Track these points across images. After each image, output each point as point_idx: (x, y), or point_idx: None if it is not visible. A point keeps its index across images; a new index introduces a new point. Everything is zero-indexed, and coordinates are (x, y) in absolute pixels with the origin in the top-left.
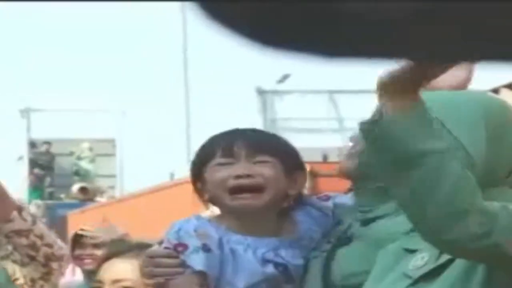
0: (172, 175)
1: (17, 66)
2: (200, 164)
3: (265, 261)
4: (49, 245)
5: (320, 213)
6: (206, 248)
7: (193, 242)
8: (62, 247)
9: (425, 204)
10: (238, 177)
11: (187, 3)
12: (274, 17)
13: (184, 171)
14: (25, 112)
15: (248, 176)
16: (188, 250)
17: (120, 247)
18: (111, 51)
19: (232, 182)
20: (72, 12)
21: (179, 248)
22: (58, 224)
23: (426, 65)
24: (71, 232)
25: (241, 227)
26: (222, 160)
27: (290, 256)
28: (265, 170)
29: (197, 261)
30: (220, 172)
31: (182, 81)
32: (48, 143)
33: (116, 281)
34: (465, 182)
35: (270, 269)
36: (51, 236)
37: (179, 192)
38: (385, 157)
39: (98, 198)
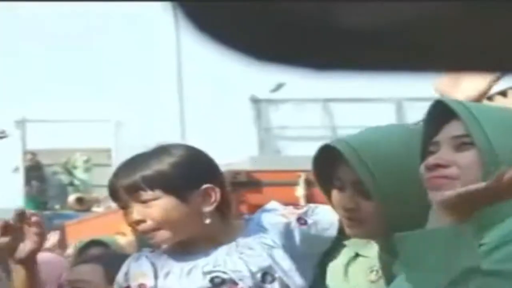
0: None
1: (12, 76)
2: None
3: (205, 274)
4: None
5: (276, 220)
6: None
7: (133, 285)
8: None
9: None
10: (134, 224)
11: (180, 16)
12: (265, 31)
13: None
14: (21, 123)
15: (140, 222)
16: None
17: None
18: (107, 61)
19: (136, 227)
20: (67, 21)
21: None
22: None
23: (497, 190)
24: (69, 242)
25: (178, 250)
26: (120, 204)
27: (230, 263)
28: (152, 211)
29: None
30: (126, 218)
31: (177, 91)
32: (33, 153)
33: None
34: None
35: (205, 283)
36: None
37: None
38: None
39: (95, 208)
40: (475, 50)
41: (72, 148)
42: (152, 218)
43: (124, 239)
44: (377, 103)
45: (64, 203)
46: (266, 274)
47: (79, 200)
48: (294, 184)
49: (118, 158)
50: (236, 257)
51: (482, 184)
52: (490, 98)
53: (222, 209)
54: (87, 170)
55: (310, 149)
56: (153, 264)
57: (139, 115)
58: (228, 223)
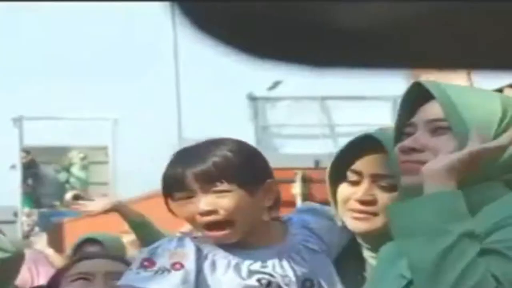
0: None
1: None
2: (164, 197)
3: (251, 273)
4: None
5: (321, 223)
6: (176, 268)
7: (162, 262)
8: None
9: (435, 275)
10: (202, 214)
11: (177, 14)
12: (263, 29)
13: None
14: (18, 121)
15: (211, 212)
16: (154, 268)
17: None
18: (105, 59)
19: (200, 220)
20: (63, 19)
21: (145, 263)
22: (52, 231)
23: (477, 157)
24: (67, 239)
25: (227, 244)
26: (180, 195)
27: (278, 267)
28: (225, 202)
29: (142, 280)
30: (185, 208)
31: (174, 88)
32: (30, 151)
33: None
34: (475, 270)
35: (253, 282)
36: None
37: None
38: (412, 229)
39: None
40: (470, 48)
41: (69, 146)
42: (225, 209)
43: (128, 237)
44: (374, 101)
45: (61, 201)
46: (307, 281)
47: (76, 198)
48: (291, 181)
49: (115, 156)
50: (284, 261)
51: (494, 142)
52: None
53: (272, 207)
54: (84, 167)
55: (307, 147)
56: (198, 249)
57: (136, 113)
58: (274, 222)
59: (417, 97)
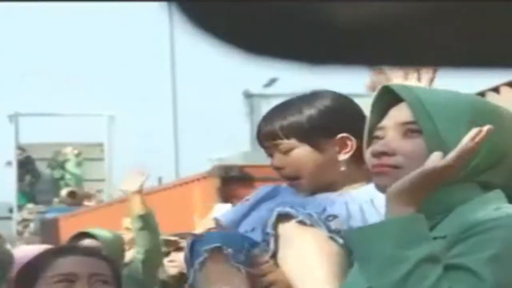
0: (160, 180)
1: (5, 70)
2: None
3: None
4: None
5: None
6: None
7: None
8: None
9: None
10: (276, 169)
11: (174, 11)
12: (259, 27)
13: (172, 176)
14: (14, 117)
15: (279, 168)
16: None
17: None
18: (101, 55)
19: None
20: (60, 16)
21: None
22: (48, 228)
23: (435, 176)
24: (62, 235)
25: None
26: (264, 149)
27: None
28: (290, 160)
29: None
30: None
31: (170, 85)
32: (22, 149)
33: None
34: None
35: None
36: None
37: (167, 196)
38: (370, 255)
39: (86, 203)
40: (469, 47)
41: (64, 142)
42: (290, 166)
43: (130, 234)
44: (370, 98)
45: (56, 197)
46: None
47: (71, 194)
48: None
49: (111, 152)
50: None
51: (441, 162)
52: (482, 94)
53: (360, 160)
54: (79, 164)
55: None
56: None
57: (132, 109)
58: (362, 173)
59: (387, 100)
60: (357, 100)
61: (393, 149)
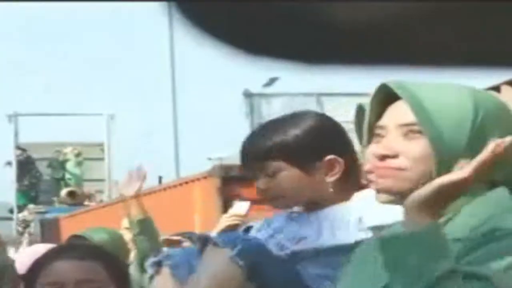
0: (160, 179)
1: (4, 70)
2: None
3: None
4: None
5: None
6: None
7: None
8: None
9: None
10: (261, 191)
11: (174, 10)
12: (260, 27)
13: (172, 175)
14: (13, 117)
15: (263, 191)
16: None
17: None
18: (100, 55)
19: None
20: (60, 15)
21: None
22: (48, 228)
23: (450, 188)
24: (63, 235)
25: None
26: (248, 172)
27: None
28: (276, 182)
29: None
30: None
31: (170, 85)
32: (23, 149)
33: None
34: None
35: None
36: None
37: (168, 196)
38: (397, 264)
39: (86, 203)
40: (468, 46)
41: (64, 142)
42: (276, 188)
43: (129, 234)
44: (369, 97)
45: (56, 197)
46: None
47: (71, 194)
48: None
49: (111, 152)
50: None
51: (458, 174)
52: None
53: (348, 179)
54: (78, 164)
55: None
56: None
57: (132, 109)
58: (350, 192)
59: (385, 96)
60: (358, 99)
61: (396, 151)
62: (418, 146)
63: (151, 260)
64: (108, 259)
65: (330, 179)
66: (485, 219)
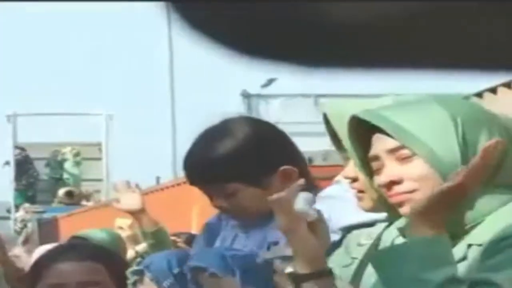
0: (158, 179)
1: (2, 70)
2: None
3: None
4: None
5: None
6: None
7: None
8: None
9: None
10: (219, 208)
11: (172, 12)
12: (258, 28)
13: (170, 175)
14: (12, 117)
15: (222, 208)
16: None
17: None
18: (98, 55)
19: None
20: (58, 16)
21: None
22: (46, 228)
23: (449, 196)
24: (61, 235)
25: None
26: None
27: None
28: (232, 202)
29: None
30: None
31: (168, 85)
32: (22, 148)
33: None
34: None
35: None
36: None
37: (166, 196)
38: (397, 273)
39: (84, 202)
40: (469, 47)
41: (62, 142)
42: (236, 208)
43: (124, 233)
44: (368, 98)
45: (54, 197)
46: None
47: (69, 194)
48: None
49: (109, 152)
50: None
51: (451, 181)
52: (479, 95)
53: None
54: (77, 164)
55: (300, 145)
56: None
57: (130, 109)
58: None
59: (360, 127)
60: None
61: (399, 176)
62: (416, 167)
63: (134, 268)
64: (109, 260)
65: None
66: (508, 226)
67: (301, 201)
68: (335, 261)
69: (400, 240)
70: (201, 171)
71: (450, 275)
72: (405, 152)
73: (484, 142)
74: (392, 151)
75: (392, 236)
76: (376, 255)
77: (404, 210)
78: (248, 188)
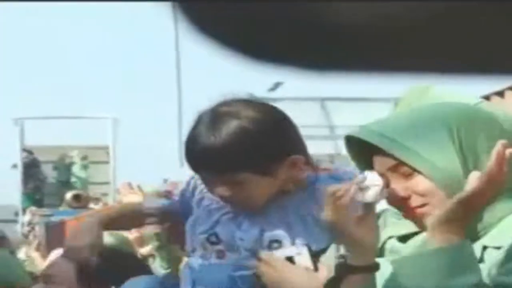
0: (165, 181)
1: (9, 73)
2: None
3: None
4: None
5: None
6: None
7: None
8: None
9: None
10: (222, 198)
11: (179, 15)
12: (264, 31)
13: (177, 178)
14: (19, 120)
15: (227, 198)
16: None
17: None
18: (105, 58)
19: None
20: (65, 17)
21: None
22: (53, 231)
23: (469, 204)
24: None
25: None
26: (200, 175)
27: None
28: (236, 192)
29: None
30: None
31: (175, 88)
32: (29, 152)
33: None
34: None
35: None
36: None
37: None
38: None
39: (92, 206)
40: (471, 50)
41: (69, 145)
42: (242, 197)
43: (130, 235)
44: (374, 102)
45: (62, 200)
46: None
47: (76, 197)
48: None
49: (116, 156)
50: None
51: (471, 187)
52: (487, 98)
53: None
54: (84, 167)
55: (308, 148)
56: None
57: (137, 112)
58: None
59: (358, 145)
60: (362, 104)
61: (406, 192)
62: (420, 182)
63: None
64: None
65: (293, 180)
66: None
67: (371, 192)
68: None
69: (401, 246)
70: (210, 160)
71: (475, 281)
72: (406, 169)
73: (483, 146)
74: (393, 167)
75: (396, 244)
76: (397, 261)
77: (420, 225)
78: (257, 177)
